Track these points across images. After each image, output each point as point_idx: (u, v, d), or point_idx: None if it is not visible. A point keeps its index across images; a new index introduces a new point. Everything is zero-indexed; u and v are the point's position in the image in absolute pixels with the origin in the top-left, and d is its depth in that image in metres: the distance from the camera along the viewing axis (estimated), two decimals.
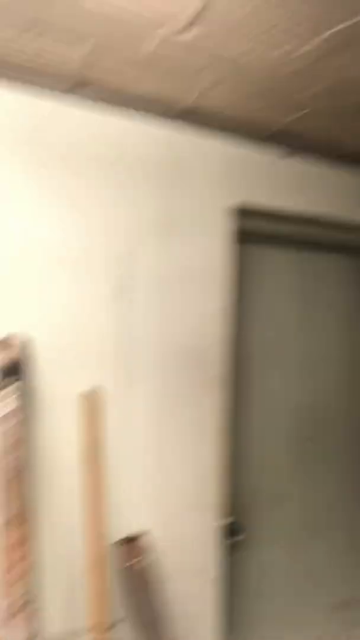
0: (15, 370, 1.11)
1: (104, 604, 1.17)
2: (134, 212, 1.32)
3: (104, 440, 1.25)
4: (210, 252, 1.44)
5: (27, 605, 0.94)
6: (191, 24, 0.91)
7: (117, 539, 1.26)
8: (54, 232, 1.22)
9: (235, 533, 1.59)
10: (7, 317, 1.17)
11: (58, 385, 1.21)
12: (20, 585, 0.94)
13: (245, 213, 1.53)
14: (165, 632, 1.26)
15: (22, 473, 1.02)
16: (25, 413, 1.12)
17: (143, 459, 1.32)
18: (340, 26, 0.92)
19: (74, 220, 1.25)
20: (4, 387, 1.09)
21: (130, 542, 1.26)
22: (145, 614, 1.24)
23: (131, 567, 1.24)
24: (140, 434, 1.31)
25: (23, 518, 0.99)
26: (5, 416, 1.06)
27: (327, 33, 0.94)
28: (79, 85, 1.16)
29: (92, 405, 1.22)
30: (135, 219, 1.32)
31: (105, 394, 1.26)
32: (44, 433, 1.20)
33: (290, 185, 1.56)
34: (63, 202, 1.23)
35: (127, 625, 1.27)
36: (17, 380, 1.10)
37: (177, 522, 1.36)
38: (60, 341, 1.22)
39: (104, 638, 1.16)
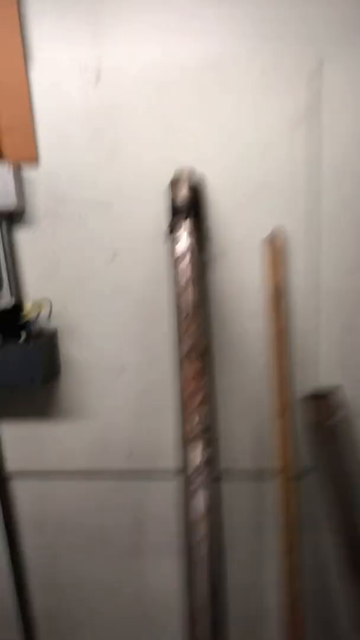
0: (187, 209, 1.05)
1: (289, 450, 1.15)
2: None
3: (287, 288, 1.14)
4: None
5: (204, 433, 0.97)
6: None
7: (307, 392, 1.20)
8: (226, 38, 1.05)
9: None
10: (178, 150, 1.10)
11: (237, 227, 1.12)
12: (196, 414, 0.97)
13: None
14: (355, 490, 1.19)
15: (197, 312, 1.01)
16: (201, 254, 1.08)
17: (333, 313, 1.17)
18: None
19: (250, 22, 1.05)
20: (176, 226, 1.05)
21: (321, 396, 1.18)
22: (334, 469, 1.18)
23: (321, 421, 1.16)
24: (331, 286, 1.15)
25: (198, 354, 0.99)
26: (178, 256, 1.03)
27: None
28: None
29: (275, 250, 1.11)
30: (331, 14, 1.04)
31: (290, 238, 1.12)
32: (224, 276, 1.15)
33: None
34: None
35: (316, 478, 1.24)
36: (189, 219, 1.05)
37: None
38: (238, 177, 1.10)
39: (289, 484, 1.16)
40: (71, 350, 1.20)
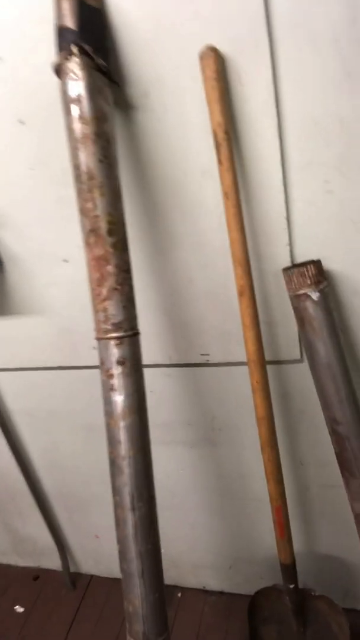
0: (76, 35, 0.78)
1: (255, 335, 0.95)
2: None
3: (236, 130, 0.85)
4: None
5: (116, 329, 0.81)
6: None
7: (285, 266, 0.95)
8: None
9: None
10: None
11: (164, 54, 0.81)
12: (103, 307, 0.81)
13: None
14: (345, 375, 0.97)
15: (95, 182, 0.78)
16: (108, 98, 0.82)
17: (307, 158, 0.86)
18: None
19: None
20: (64, 63, 0.79)
21: (299, 269, 0.92)
22: (322, 354, 0.96)
23: (302, 296, 0.93)
24: (302, 117, 0.83)
25: (101, 236, 0.79)
26: (68, 105, 0.79)
27: None
28: None
29: (211, 78, 0.80)
30: None
31: (235, 59, 0.80)
32: (153, 126, 0.88)
33: None
34: None
35: (303, 367, 1.04)
36: (81, 48, 0.78)
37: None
38: None
39: (260, 372, 0.98)
40: (9, 242, 1.07)
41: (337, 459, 1.00)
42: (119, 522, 0.84)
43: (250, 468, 1.22)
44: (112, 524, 1.46)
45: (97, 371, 1.15)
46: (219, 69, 0.79)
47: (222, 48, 0.79)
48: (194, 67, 0.81)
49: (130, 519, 0.83)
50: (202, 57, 0.79)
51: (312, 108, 0.81)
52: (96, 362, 1.13)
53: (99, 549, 1.57)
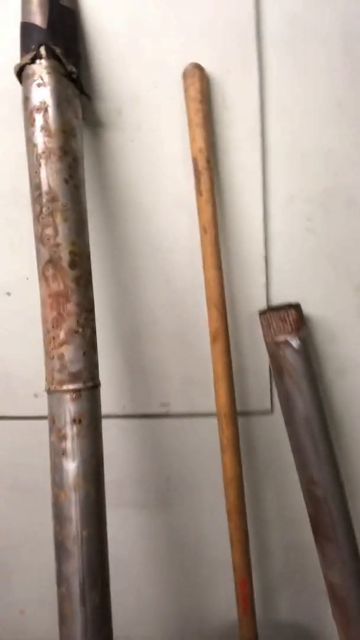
0: (43, 37, 0.67)
1: (228, 386, 0.84)
2: None
3: (218, 159, 0.77)
4: None
5: (76, 380, 0.67)
6: None
7: (262, 309, 0.87)
8: None
9: None
10: None
11: (140, 67, 0.73)
12: (58, 354, 0.67)
13: None
14: (324, 431, 0.89)
15: (56, 205, 0.66)
16: (76, 112, 0.71)
17: (290, 195, 0.79)
18: None
19: None
20: (27, 67, 0.67)
21: (279, 313, 0.84)
22: (299, 405, 0.87)
23: (282, 344, 0.84)
24: (280, 157, 0.76)
25: (59, 269, 0.66)
26: (29, 115, 0.67)
27: None
28: None
29: (193, 98, 0.72)
30: None
31: (217, 79, 0.73)
32: (124, 147, 0.78)
33: None
34: None
35: (278, 420, 0.95)
36: (48, 52, 0.66)
37: (339, 301, 0.86)
38: None
39: (232, 428, 0.87)
40: None
41: (311, 522, 0.91)
42: (65, 619, 0.68)
43: (207, 532, 1.09)
44: (41, 597, 1.27)
45: (38, 423, 1.01)
46: (203, 90, 0.71)
47: (208, 66, 0.71)
48: (176, 85, 0.72)
49: (79, 614, 0.67)
50: (186, 75, 0.71)
51: (299, 138, 0.75)
52: (38, 413, 0.99)
53: (25, 625, 1.34)
